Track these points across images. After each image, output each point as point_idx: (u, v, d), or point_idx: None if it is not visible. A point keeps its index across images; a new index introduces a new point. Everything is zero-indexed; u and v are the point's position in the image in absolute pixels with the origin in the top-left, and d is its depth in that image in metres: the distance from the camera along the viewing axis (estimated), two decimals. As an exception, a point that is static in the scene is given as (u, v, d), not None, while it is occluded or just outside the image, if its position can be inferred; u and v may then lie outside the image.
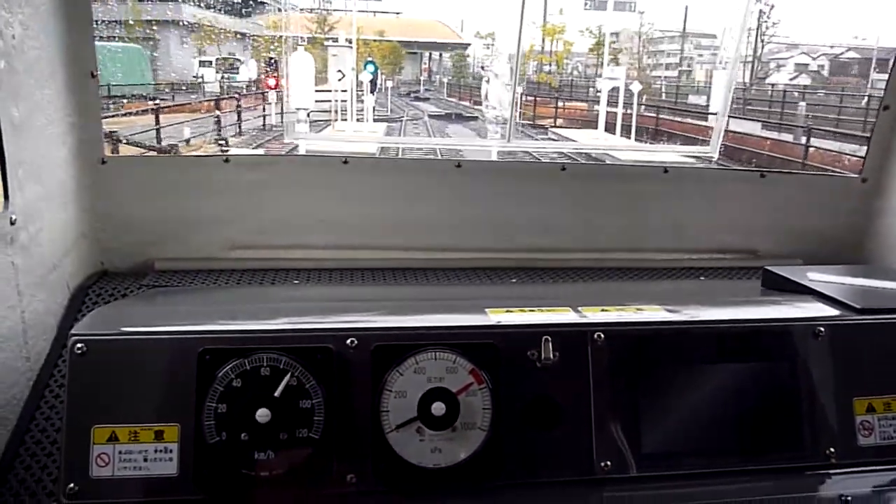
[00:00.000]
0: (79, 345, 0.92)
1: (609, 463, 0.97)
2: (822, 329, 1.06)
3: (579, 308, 1.08)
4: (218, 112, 15.14)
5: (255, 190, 1.48)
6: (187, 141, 12.81)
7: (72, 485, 0.89)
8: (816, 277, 1.26)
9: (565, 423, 0.98)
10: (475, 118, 24.42)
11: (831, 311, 1.11)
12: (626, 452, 0.98)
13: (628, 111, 18.27)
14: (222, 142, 14.14)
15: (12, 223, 1.08)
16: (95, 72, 1.35)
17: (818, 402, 1.04)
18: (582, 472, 0.97)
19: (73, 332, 0.94)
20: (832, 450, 1.02)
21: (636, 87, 18.58)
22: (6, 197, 1.07)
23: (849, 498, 0.97)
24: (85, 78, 1.33)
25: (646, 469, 0.98)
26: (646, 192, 1.61)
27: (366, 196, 1.50)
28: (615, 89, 19.08)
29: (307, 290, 1.39)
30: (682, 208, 1.62)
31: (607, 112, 18.93)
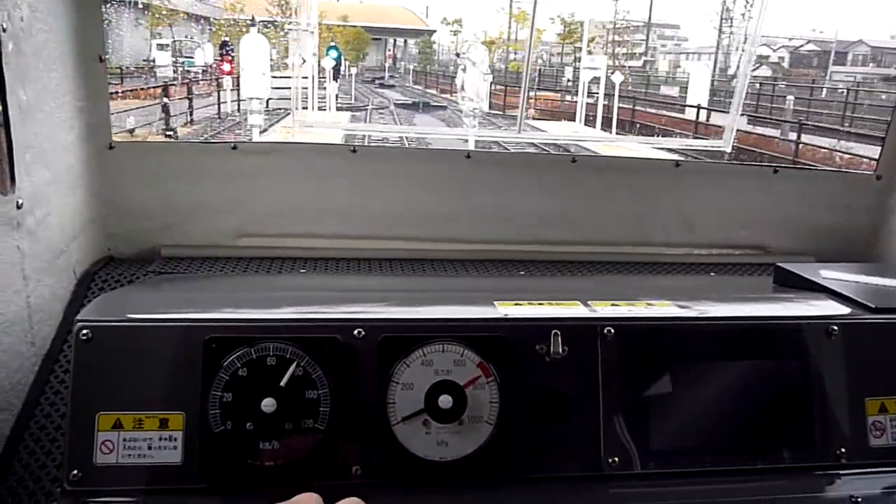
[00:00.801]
0: (84, 331, 0.92)
1: (617, 459, 0.96)
2: (835, 328, 1.04)
3: (589, 302, 1.07)
4: (166, 99, 13.83)
5: (263, 177, 1.47)
6: (131, 131, 11.87)
7: (75, 471, 0.88)
8: (829, 275, 1.24)
9: (573, 417, 0.97)
10: (444, 107, 23.50)
11: (845, 310, 1.09)
12: (634, 449, 0.97)
13: (607, 103, 17.67)
14: (170, 132, 13.14)
15: (19, 207, 1.08)
16: (104, 56, 1.34)
17: (829, 401, 1.03)
18: (589, 467, 0.96)
19: (78, 317, 0.93)
20: (843, 450, 1.01)
21: (618, 78, 17.77)
22: (13, 181, 1.06)
23: (859, 499, 0.96)
24: (93, 62, 1.32)
25: (653, 466, 0.97)
26: (656, 186, 1.59)
27: (374, 185, 1.49)
28: (595, 79, 18.40)
29: (314, 279, 1.39)
30: (692, 203, 1.61)
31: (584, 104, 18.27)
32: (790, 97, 17.58)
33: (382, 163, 1.50)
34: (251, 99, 12.68)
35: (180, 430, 0.91)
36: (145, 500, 0.89)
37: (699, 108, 17.62)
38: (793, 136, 14.60)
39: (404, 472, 0.93)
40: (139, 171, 1.43)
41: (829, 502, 0.97)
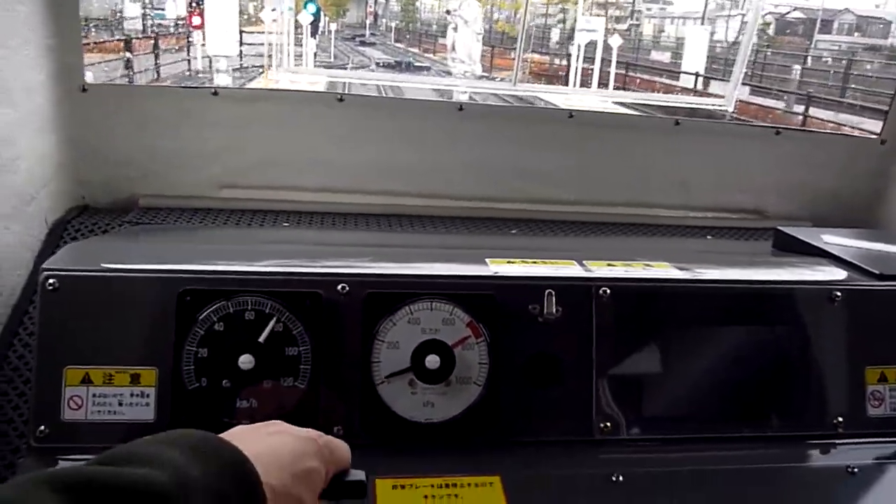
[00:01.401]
0: (50, 280, 0.86)
1: (609, 424, 0.93)
2: (837, 294, 1.00)
3: (584, 262, 1.02)
4: (129, 54, 12.44)
5: (245, 126, 1.40)
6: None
7: (42, 427, 0.84)
8: (832, 240, 1.20)
9: (565, 381, 0.93)
10: (427, 68, 22.81)
11: (848, 276, 1.06)
12: (626, 414, 0.94)
13: (605, 69, 17.04)
14: (132, 90, 12.02)
15: None
16: None
17: (828, 369, 0.99)
18: (580, 432, 0.92)
19: (44, 265, 0.87)
20: (839, 419, 0.98)
21: (616, 42, 16.82)
22: None
23: (854, 469, 0.93)
24: None
25: (646, 432, 0.94)
26: (655, 144, 1.54)
27: (361, 137, 1.43)
28: (592, 43, 17.68)
29: (297, 233, 1.33)
30: (691, 164, 1.56)
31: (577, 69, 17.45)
32: (797, 67, 17.04)
33: (371, 113, 1.43)
34: (217, 57, 11.83)
35: (153, 387, 0.86)
36: None
37: (698, 75, 17.14)
38: (798, 108, 13.76)
39: (388, 433, 0.89)
40: (115, 115, 1.35)
41: (825, 472, 0.95)
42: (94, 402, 0.85)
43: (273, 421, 0.68)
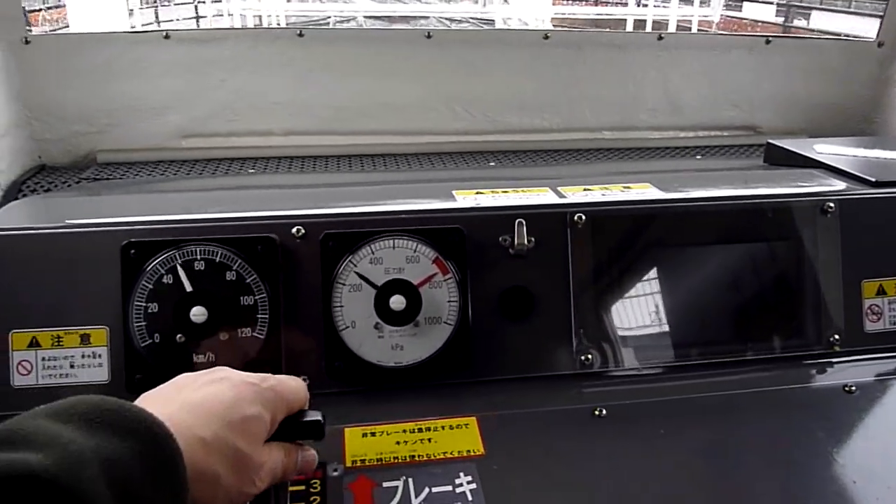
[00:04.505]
0: None
1: (590, 357, 0.88)
2: (831, 205, 0.94)
3: (559, 188, 0.96)
4: None
5: (202, 70, 1.32)
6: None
7: None
8: (825, 149, 1.13)
9: (541, 315, 0.88)
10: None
11: (842, 185, 0.99)
12: (610, 345, 0.89)
13: None
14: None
15: None
16: None
17: (823, 284, 0.94)
18: (560, 366, 0.88)
19: None
20: (836, 336, 0.93)
21: None
22: None
23: (853, 387, 0.88)
24: None
25: (630, 363, 0.89)
26: (638, 62, 1.45)
27: (325, 74, 1.35)
28: None
29: (259, 179, 1.27)
30: (677, 81, 1.47)
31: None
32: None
33: (333, 48, 1.35)
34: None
35: (104, 346, 0.82)
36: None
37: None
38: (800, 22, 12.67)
39: (356, 379, 0.85)
40: (63, 67, 1.28)
41: (822, 391, 0.90)
42: (44, 366, 0.81)
43: (217, 367, 0.63)
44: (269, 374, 0.64)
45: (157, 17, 9.30)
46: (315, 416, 0.65)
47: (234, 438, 0.55)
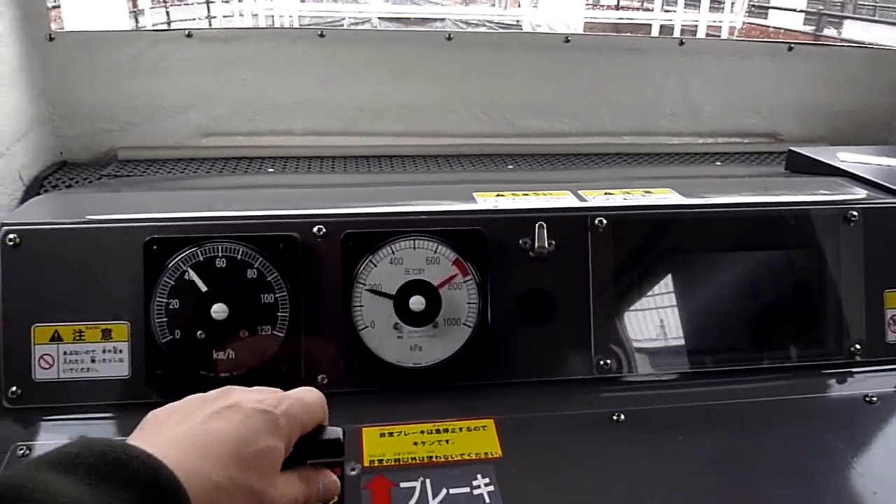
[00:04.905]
0: (10, 235, 0.82)
1: (608, 361, 0.88)
2: (854, 213, 0.93)
3: (579, 191, 0.95)
4: None
5: (224, 69, 1.33)
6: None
7: (14, 388, 0.81)
8: (848, 157, 1.12)
9: (560, 318, 0.88)
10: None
11: (865, 194, 0.98)
12: (628, 350, 0.89)
13: None
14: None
15: None
16: None
17: (844, 293, 0.93)
18: (578, 371, 0.87)
19: (3, 221, 0.83)
20: (857, 346, 0.92)
21: None
22: None
23: (873, 398, 0.88)
24: None
25: (649, 368, 0.89)
26: (658, 67, 1.45)
27: (346, 75, 1.35)
28: None
29: (279, 178, 1.27)
30: (698, 86, 1.47)
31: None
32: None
33: (354, 48, 1.36)
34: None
35: (125, 341, 0.82)
36: (92, 417, 0.81)
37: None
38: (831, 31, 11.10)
39: (375, 379, 0.85)
40: (86, 65, 1.29)
41: (842, 401, 0.89)
42: (65, 360, 0.82)
43: (228, 390, 0.60)
44: (284, 394, 0.61)
45: (168, 17, 9.43)
46: (334, 433, 0.62)
47: (248, 478, 0.53)
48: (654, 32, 9.31)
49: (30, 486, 0.41)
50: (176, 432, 0.53)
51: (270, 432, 0.56)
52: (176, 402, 0.58)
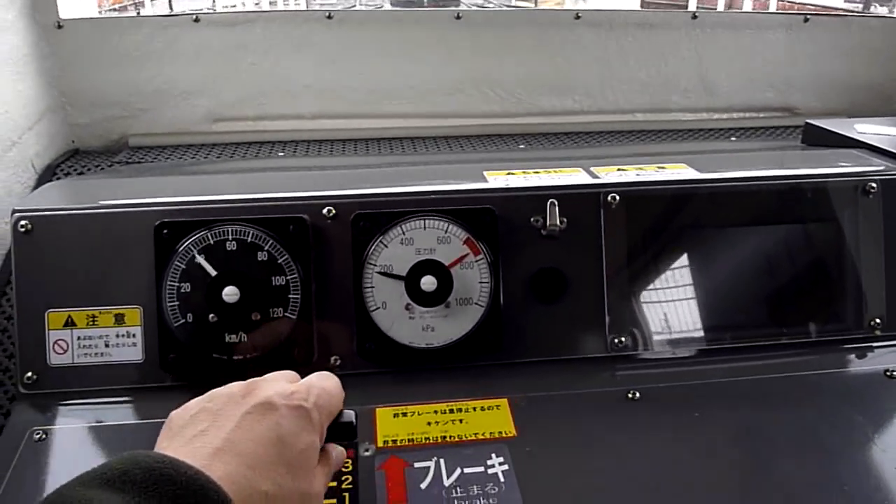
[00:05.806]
0: (22, 222, 0.82)
1: (623, 339, 0.87)
2: (873, 185, 0.91)
3: (592, 168, 0.94)
4: None
5: (233, 53, 1.32)
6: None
7: (30, 373, 0.81)
8: (866, 129, 1.10)
9: (573, 296, 0.87)
10: None
11: (885, 165, 0.96)
12: (643, 327, 0.88)
13: None
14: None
15: None
16: None
17: (863, 267, 0.91)
18: (592, 349, 0.87)
19: (15, 207, 0.83)
20: (877, 321, 0.91)
21: None
22: None
23: (895, 372, 0.86)
24: None
25: (666, 345, 0.88)
26: (672, 42, 1.42)
27: (354, 56, 1.34)
28: None
29: (289, 161, 1.27)
30: (712, 61, 1.44)
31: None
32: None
33: (362, 30, 1.34)
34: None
35: (138, 326, 0.82)
36: (107, 401, 0.82)
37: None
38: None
39: (387, 360, 0.84)
40: (95, 52, 1.29)
41: (862, 376, 0.88)
42: (79, 345, 0.82)
43: (251, 381, 0.58)
44: (310, 383, 0.60)
45: (170, 6, 9.49)
46: (348, 416, 0.63)
47: (295, 482, 0.52)
48: (720, 7, 9.18)
49: (73, 502, 0.40)
50: (213, 439, 0.50)
51: (307, 429, 0.55)
52: (198, 400, 0.56)
